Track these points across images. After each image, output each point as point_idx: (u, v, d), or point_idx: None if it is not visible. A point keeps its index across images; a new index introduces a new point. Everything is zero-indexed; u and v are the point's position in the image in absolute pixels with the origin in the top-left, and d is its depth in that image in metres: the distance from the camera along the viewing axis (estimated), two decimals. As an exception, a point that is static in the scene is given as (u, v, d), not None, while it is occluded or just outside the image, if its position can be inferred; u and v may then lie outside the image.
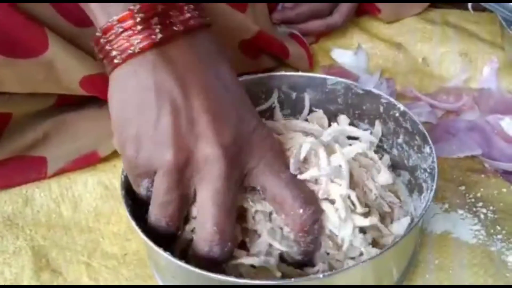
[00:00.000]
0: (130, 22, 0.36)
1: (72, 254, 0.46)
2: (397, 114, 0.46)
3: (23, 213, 0.49)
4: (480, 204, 0.48)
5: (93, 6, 0.38)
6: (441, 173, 0.51)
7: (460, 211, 0.48)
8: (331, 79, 0.49)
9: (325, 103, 0.50)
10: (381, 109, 0.47)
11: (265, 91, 0.50)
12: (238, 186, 0.39)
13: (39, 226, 0.48)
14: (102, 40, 0.37)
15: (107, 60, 0.38)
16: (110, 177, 0.51)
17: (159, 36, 0.37)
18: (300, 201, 0.38)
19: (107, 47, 0.37)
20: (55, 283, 0.44)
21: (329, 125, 0.49)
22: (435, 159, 0.42)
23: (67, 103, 0.53)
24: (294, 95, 0.50)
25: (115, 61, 0.37)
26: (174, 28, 0.37)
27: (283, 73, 0.51)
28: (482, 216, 0.47)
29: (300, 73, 0.51)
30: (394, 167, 0.48)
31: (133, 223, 0.38)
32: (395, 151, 0.48)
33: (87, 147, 0.52)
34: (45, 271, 0.44)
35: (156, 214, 0.39)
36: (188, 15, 0.38)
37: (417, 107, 0.57)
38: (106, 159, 0.52)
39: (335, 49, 0.67)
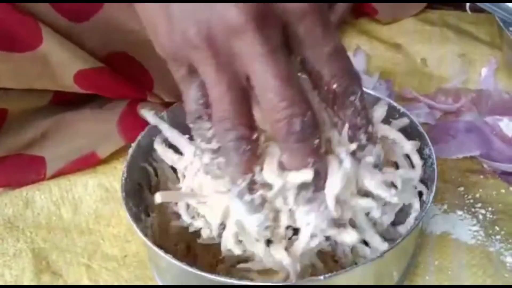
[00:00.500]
0: None
1: (72, 256, 0.46)
2: (396, 116, 0.46)
3: (24, 215, 0.49)
4: (479, 205, 0.48)
5: None
6: (440, 174, 0.51)
7: (459, 212, 0.48)
8: None
9: None
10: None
11: None
12: (285, 51, 0.34)
13: (40, 229, 0.48)
14: None
15: None
16: (111, 179, 0.51)
17: None
18: (336, 78, 0.35)
19: None
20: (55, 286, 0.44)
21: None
22: (434, 161, 0.42)
23: (64, 101, 0.53)
24: None
25: None
26: None
27: None
28: (481, 216, 0.47)
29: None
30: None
31: (134, 226, 0.38)
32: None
33: (86, 148, 0.52)
34: (46, 273, 0.44)
35: (220, 116, 0.34)
36: None
37: (415, 108, 0.57)
38: (106, 161, 0.53)
39: (334, 51, 0.67)
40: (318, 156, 0.35)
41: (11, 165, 0.51)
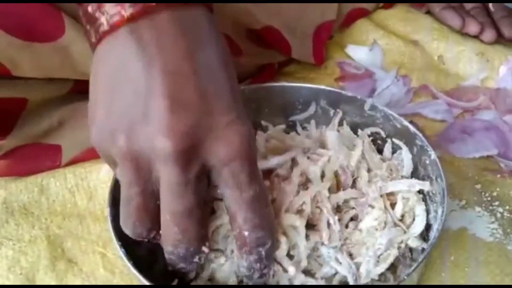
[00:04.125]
0: None
1: (87, 244, 0.46)
2: (427, 161, 0.43)
3: (39, 202, 0.49)
4: (497, 203, 0.48)
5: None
6: (456, 172, 0.51)
7: (478, 209, 0.47)
8: (368, 103, 0.47)
9: (363, 127, 0.48)
10: (415, 150, 0.45)
11: (302, 101, 0.49)
12: (200, 181, 0.35)
13: (55, 215, 0.48)
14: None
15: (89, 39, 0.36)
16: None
17: (129, 11, 0.33)
18: (248, 225, 0.36)
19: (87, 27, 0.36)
20: (70, 273, 0.44)
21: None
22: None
23: (83, 90, 0.53)
24: (331, 112, 0.49)
25: (92, 39, 0.35)
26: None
27: (322, 86, 0.49)
28: (499, 215, 0.47)
29: (338, 90, 0.48)
30: None
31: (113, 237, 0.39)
32: None
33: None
34: (61, 261, 0.44)
35: (122, 212, 0.36)
36: None
37: (434, 104, 0.57)
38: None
39: (350, 45, 0.66)
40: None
41: (28, 154, 0.51)
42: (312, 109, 0.49)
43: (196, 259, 0.37)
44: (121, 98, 0.34)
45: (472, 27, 0.65)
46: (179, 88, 0.33)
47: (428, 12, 0.70)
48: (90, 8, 0.35)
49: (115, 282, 0.43)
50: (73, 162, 0.52)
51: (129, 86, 0.34)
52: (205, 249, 0.37)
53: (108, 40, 0.34)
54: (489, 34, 0.65)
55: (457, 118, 0.58)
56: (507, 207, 0.48)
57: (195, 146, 0.33)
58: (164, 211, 0.35)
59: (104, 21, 0.34)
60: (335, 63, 0.64)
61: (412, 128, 0.45)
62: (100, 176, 0.51)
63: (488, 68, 0.63)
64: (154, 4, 0.33)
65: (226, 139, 0.34)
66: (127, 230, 0.36)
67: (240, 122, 0.34)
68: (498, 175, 0.51)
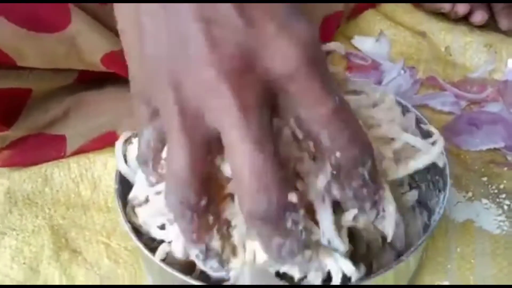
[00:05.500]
0: None
1: (91, 234, 0.45)
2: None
3: (43, 192, 0.49)
4: (503, 195, 0.48)
5: None
6: (462, 164, 0.51)
7: (485, 201, 0.47)
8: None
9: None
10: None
11: None
12: (266, 113, 0.29)
13: (58, 205, 0.48)
14: None
15: None
16: (130, 158, 0.51)
17: None
18: (338, 144, 0.30)
19: None
20: (74, 263, 0.43)
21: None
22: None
23: (88, 81, 0.53)
24: None
25: None
26: None
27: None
28: (505, 207, 0.47)
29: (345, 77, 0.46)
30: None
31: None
32: (423, 187, 0.44)
33: (106, 126, 0.52)
34: (65, 251, 0.44)
35: (171, 171, 0.30)
36: None
37: (441, 96, 0.57)
38: (126, 140, 0.52)
39: (357, 36, 0.66)
40: (285, 236, 0.30)
41: (32, 144, 0.51)
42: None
43: (289, 223, 0.29)
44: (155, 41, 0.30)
45: (461, 7, 0.64)
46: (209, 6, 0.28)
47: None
48: None
49: (119, 272, 0.43)
50: (78, 152, 0.51)
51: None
52: (291, 197, 0.29)
53: None
54: (478, 16, 0.64)
55: (464, 110, 0.57)
56: (515, 200, 0.47)
57: (247, 68, 0.28)
58: (233, 153, 0.29)
59: None
60: (342, 54, 0.64)
61: (418, 114, 0.44)
62: (107, 166, 0.50)
63: (496, 60, 0.62)
64: None
65: (282, 49, 0.28)
66: (172, 196, 0.30)
67: (293, 23, 0.29)
68: (505, 168, 0.51)
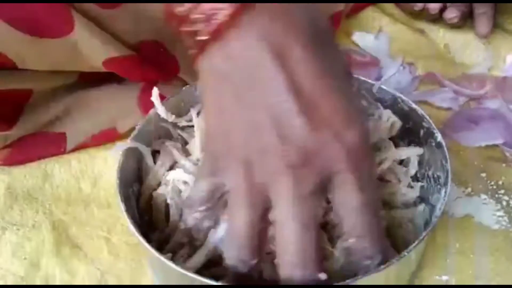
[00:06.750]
0: None
1: (92, 229, 0.46)
2: (433, 144, 0.44)
3: (43, 188, 0.49)
4: (502, 191, 0.48)
5: None
6: (461, 160, 0.51)
7: (483, 196, 0.47)
8: (376, 86, 0.47)
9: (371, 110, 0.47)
10: (421, 133, 0.45)
11: None
12: (318, 195, 0.35)
13: (59, 201, 0.48)
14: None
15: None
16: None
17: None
18: (354, 232, 0.35)
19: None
20: (75, 258, 0.44)
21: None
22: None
23: (89, 80, 0.53)
24: None
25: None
26: None
27: None
28: (504, 203, 0.47)
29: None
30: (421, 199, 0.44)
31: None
32: (424, 183, 0.45)
33: (106, 123, 0.52)
34: (66, 246, 0.44)
35: (232, 230, 0.36)
36: None
37: (440, 92, 0.57)
38: (126, 136, 0.52)
39: (357, 32, 0.66)
40: None
41: (33, 143, 0.51)
42: None
43: None
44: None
45: (432, 6, 0.63)
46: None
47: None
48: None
49: (120, 266, 0.43)
50: (77, 149, 0.52)
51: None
52: (322, 276, 0.34)
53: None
54: (450, 13, 0.63)
55: (463, 107, 0.57)
56: (513, 196, 0.47)
57: (308, 161, 0.34)
58: (283, 229, 0.34)
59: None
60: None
61: (420, 110, 0.45)
62: (107, 161, 0.51)
63: (495, 57, 0.62)
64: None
65: (334, 152, 0.34)
66: (231, 253, 0.36)
67: (346, 131, 0.34)
68: (504, 164, 0.51)
